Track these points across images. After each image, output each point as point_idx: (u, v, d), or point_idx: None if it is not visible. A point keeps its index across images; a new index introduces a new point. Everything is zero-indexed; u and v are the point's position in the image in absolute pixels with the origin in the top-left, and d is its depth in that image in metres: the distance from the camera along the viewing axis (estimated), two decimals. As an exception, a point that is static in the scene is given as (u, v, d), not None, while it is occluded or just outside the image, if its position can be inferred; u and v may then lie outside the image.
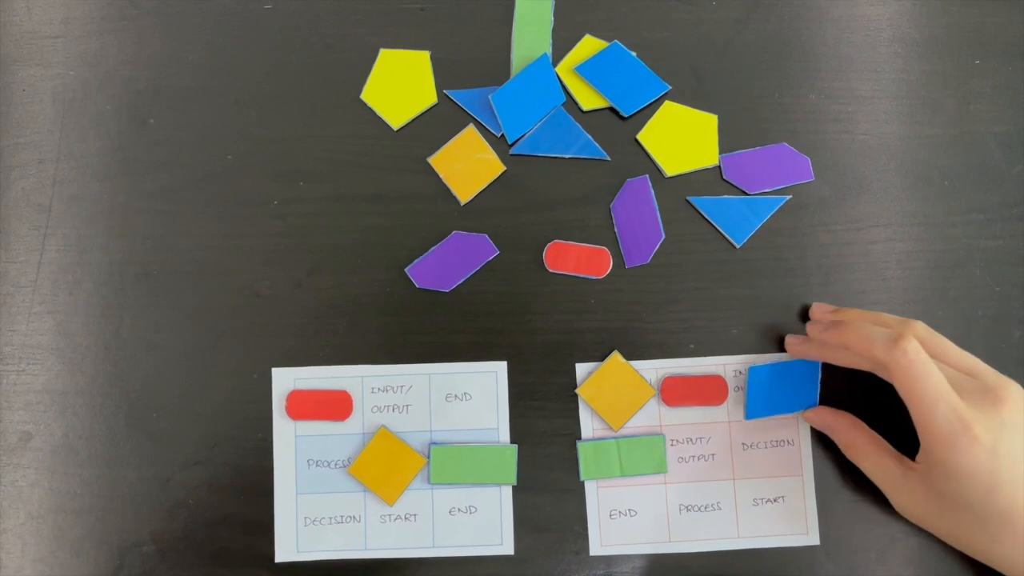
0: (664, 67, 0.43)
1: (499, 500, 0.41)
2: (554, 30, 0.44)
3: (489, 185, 0.43)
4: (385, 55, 0.43)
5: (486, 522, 0.41)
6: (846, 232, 0.42)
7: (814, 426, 0.41)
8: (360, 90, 0.43)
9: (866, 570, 0.40)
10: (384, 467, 0.41)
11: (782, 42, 0.44)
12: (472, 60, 0.43)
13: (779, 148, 0.43)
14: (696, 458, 0.41)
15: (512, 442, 0.41)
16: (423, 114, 0.43)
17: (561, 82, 0.43)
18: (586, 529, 0.41)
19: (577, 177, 0.43)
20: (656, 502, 0.41)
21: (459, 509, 0.41)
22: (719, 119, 0.43)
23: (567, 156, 0.43)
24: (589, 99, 0.43)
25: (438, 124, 0.43)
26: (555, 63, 0.43)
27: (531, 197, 0.43)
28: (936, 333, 0.38)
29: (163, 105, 0.43)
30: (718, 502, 0.41)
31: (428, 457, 0.41)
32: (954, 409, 0.34)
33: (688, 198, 0.43)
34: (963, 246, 0.43)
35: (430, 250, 0.42)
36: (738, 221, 0.42)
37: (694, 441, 0.41)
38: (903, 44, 0.44)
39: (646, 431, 0.41)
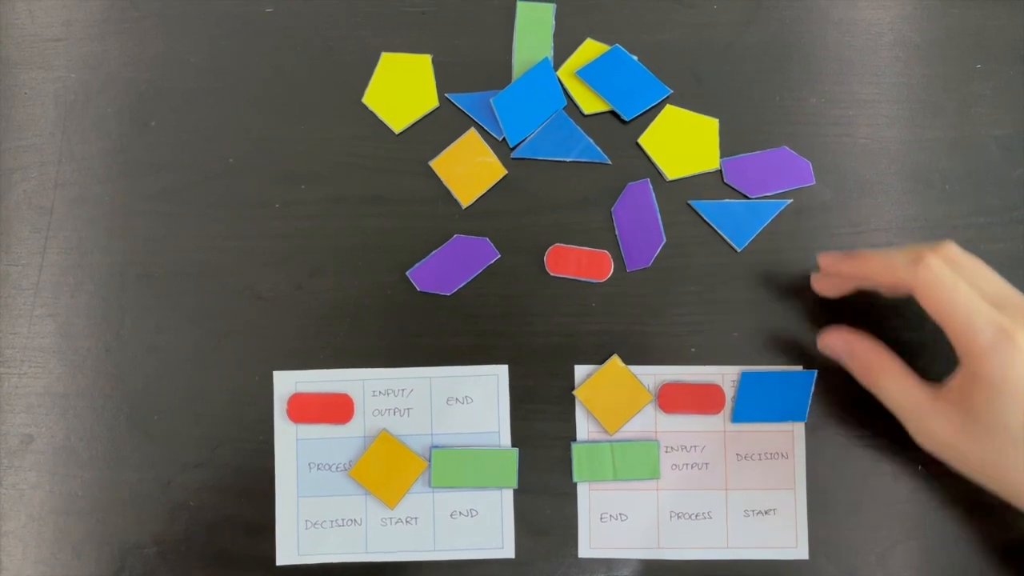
0: (665, 71, 0.43)
1: (500, 503, 0.41)
2: (555, 34, 0.44)
3: (490, 188, 0.43)
4: (387, 59, 0.43)
5: (487, 525, 0.41)
6: (847, 236, 0.42)
7: (829, 352, 0.39)
8: (362, 93, 0.43)
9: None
10: (385, 470, 0.41)
11: (783, 46, 0.44)
12: (473, 64, 0.43)
13: (780, 152, 0.43)
14: (690, 466, 0.41)
15: (513, 445, 0.41)
16: (424, 117, 0.43)
17: (562, 86, 0.43)
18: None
19: (578, 181, 0.43)
20: (647, 508, 0.41)
21: (460, 512, 0.41)
22: (720, 123, 0.43)
23: (568, 160, 0.43)
24: (590, 103, 0.43)
25: (439, 127, 0.43)
26: (556, 67, 0.43)
27: (532, 200, 0.43)
28: (971, 256, 0.35)
29: (165, 107, 0.43)
30: (709, 511, 0.41)
31: (429, 460, 0.41)
32: (993, 320, 0.32)
33: (689, 202, 0.43)
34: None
35: (431, 253, 0.42)
36: (739, 225, 0.42)
37: (688, 449, 0.41)
38: (904, 48, 0.44)
39: (641, 436, 0.41)
